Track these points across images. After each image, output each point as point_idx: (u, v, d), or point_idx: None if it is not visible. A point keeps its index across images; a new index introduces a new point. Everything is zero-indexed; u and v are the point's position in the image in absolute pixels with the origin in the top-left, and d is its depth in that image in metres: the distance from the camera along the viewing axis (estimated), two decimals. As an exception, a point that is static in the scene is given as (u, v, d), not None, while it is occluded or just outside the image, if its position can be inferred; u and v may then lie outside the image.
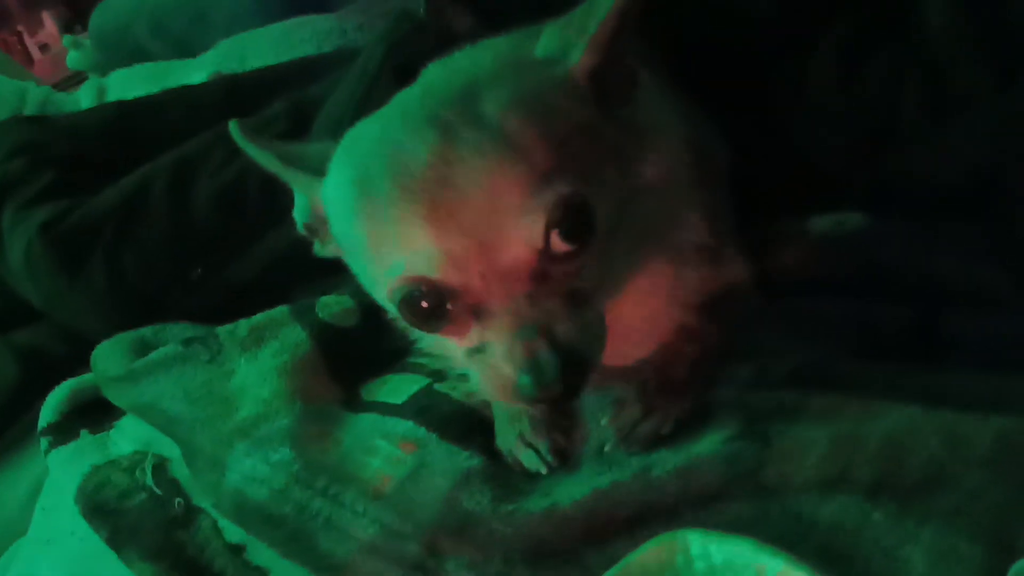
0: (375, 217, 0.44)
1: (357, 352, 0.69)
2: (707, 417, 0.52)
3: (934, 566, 0.42)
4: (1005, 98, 0.64)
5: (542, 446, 0.55)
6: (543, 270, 0.43)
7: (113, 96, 1.66)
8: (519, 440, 0.56)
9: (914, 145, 0.67)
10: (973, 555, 0.42)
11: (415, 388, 0.63)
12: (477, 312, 0.44)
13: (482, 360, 0.44)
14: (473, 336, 0.45)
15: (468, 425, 0.59)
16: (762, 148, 0.67)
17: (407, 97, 0.49)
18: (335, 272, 0.72)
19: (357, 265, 0.50)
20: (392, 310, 0.47)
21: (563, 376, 0.42)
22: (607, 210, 0.45)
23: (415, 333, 0.63)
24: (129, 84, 1.72)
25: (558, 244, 0.43)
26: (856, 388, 0.51)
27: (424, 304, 0.44)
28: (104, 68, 2.19)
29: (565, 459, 0.55)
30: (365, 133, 0.49)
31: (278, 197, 0.59)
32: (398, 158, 0.44)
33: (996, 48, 0.65)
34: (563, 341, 0.42)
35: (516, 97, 0.45)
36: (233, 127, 0.54)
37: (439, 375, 0.64)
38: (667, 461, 0.50)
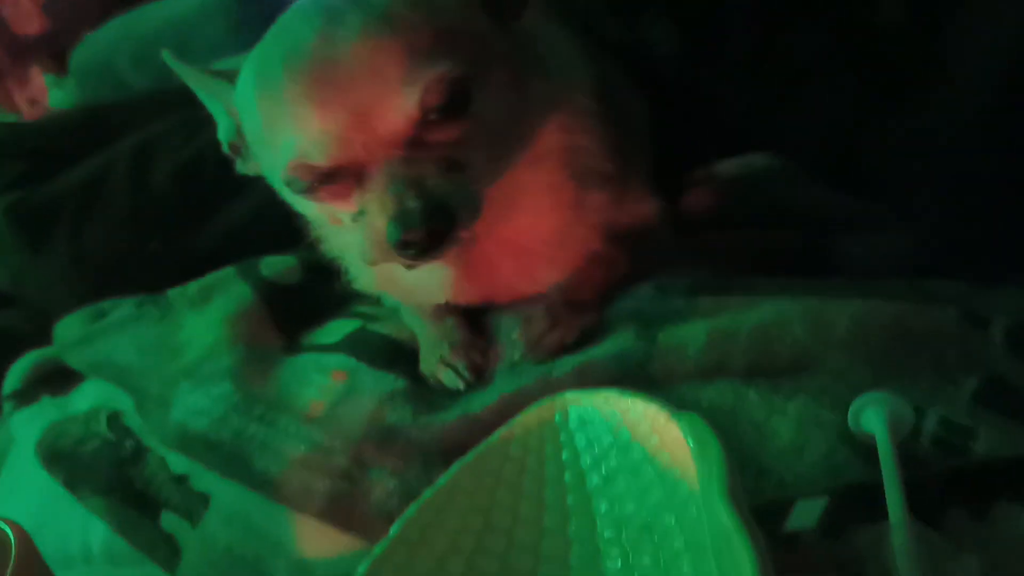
0: (269, 101, 0.48)
1: (299, 305, 0.73)
2: (607, 327, 0.57)
3: (797, 433, 0.47)
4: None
5: (460, 365, 0.59)
6: (418, 137, 0.46)
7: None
8: (440, 362, 0.60)
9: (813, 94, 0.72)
10: (833, 421, 0.47)
11: (350, 329, 0.67)
12: (359, 178, 0.47)
13: (363, 222, 0.47)
14: (355, 201, 0.48)
15: (395, 355, 0.63)
16: (683, 103, 0.72)
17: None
18: (288, 244, 0.77)
19: (263, 161, 0.53)
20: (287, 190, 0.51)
21: (427, 222, 0.45)
22: (490, 101, 0.48)
23: (350, 276, 0.67)
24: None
25: (433, 114, 0.46)
26: (741, 292, 0.56)
27: (312, 182, 0.48)
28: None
29: (481, 376, 0.59)
30: (268, 34, 0.52)
31: (234, 172, 0.61)
32: (289, 44, 0.48)
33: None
34: (430, 192, 0.45)
35: None
36: (165, 54, 0.57)
37: (373, 318, 0.69)
38: (566, 363, 0.55)
